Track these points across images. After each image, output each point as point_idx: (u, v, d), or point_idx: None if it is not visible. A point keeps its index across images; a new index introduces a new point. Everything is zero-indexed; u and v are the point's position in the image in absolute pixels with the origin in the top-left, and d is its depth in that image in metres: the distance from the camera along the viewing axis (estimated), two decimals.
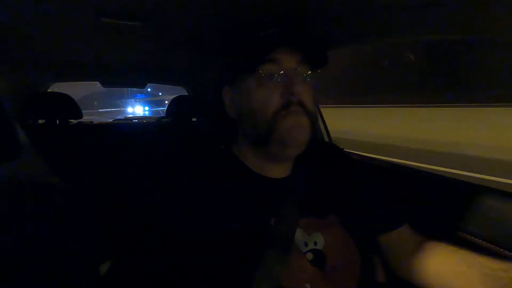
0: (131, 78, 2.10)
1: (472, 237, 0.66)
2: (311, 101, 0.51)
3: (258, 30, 0.53)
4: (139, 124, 2.19)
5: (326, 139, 1.39)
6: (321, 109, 1.35)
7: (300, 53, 0.50)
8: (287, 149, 0.50)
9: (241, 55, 0.54)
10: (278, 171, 0.55)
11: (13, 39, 1.11)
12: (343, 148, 0.69)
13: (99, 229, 0.64)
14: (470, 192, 0.71)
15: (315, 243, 0.50)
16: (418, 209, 0.77)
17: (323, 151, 0.63)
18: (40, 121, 1.57)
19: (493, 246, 0.62)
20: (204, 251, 0.47)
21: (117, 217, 1.07)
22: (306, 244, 0.49)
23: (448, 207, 0.74)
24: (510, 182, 3.40)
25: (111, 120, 2.91)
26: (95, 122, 1.80)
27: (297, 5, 0.72)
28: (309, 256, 0.49)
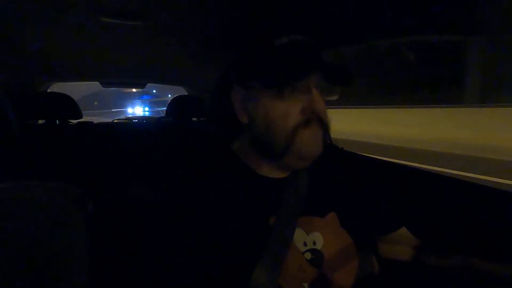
0: (131, 78, 2.10)
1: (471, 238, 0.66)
2: (326, 114, 0.51)
3: (276, 35, 0.51)
4: (140, 124, 2.19)
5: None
6: None
7: (323, 70, 0.50)
8: (302, 161, 0.51)
9: (264, 63, 0.51)
10: (279, 172, 0.55)
11: (13, 39, 1.11)
12: (342, 148, 0.69)
13: (98, 229, 0.64)
14: (471, 191, 0.71)
15: (314, 243, 0.50)
16: (417, 209, 0.77)
17: (323, 151, 0.63)
18: (40, 121, 1.57)
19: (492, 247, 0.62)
20: (203, 249, 0.47)
21: (117, 217, 1.07)
22: (305, 244, 0.49)
23: (449, 206, 0.75)
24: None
25: (111, 120, 2.92)
26: (95, 122, 1.80)
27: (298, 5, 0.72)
28: (308, 255, 0.49)
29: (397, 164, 0.99)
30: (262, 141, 0.52)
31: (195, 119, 1.84)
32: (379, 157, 1.04)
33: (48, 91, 1.94)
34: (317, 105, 0.48)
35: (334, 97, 0.55)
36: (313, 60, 0.50)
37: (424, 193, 0.83)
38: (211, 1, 0.80)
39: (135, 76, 2.04)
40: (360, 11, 0.74)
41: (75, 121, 1.57)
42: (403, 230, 0.59)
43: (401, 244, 0.58)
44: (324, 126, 0.50)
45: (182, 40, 1.23)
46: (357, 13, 0.75)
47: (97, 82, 2.08)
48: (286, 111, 0.48)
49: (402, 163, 0.99)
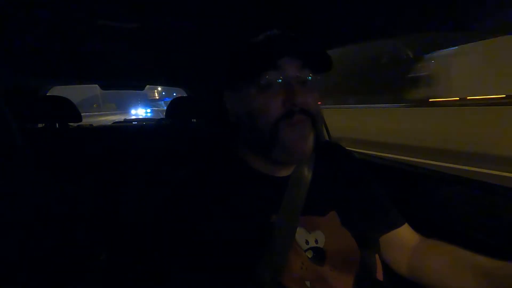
0: (130, 80, 2.10)
1: (472, 235, 0.66)
2: (315, 105, 0.50)
3: (256, 32, 0.52)
4: (139, 126, 2.19)
5: (326, 138, 1.39)
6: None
7: (301, 58, 0.49)
8: (291, 156, 0.50)
9: (241, 61, 0.53)
10: (280, 170, 0.55)
11: (12, 43, 1.11)
12: (342, 146, 0.69)
13: (98, 231, 0.65)
14: (472, 189, 0.71)
15: (316, 241, 0.50)
16: (418, 207, 0.76)
17: (324, 150, 0.63)
18: (40, 125, 1.57)
19: (491, 243, 0.62)
20: (205, 247, 0.47)
21: (117, 219, 1.07)
22: (307, 242, 0.49)
23: (450, 204, 0.74)
24: None
25: (111, 122, 2.92)
26: (94, 125, 1.80)
27: (295, 5, 0.72)
28: (310, 253, 0.49)
29: (398, 162, 0.99)
30: (249, 137, 0.52)
31: (194, 120, 1.84)
32: (380, 156, 1.04)
33: (47, 94, 1.94)
34: (299, 97, 0.47)
35: (319, 90, 0.54)
36: (286, 48, 0.49)
37: (425, 191, 0.83)
38: (209, 3, 0.81)
39: (134, 78, 2.04)
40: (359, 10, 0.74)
41: (75, 124, 1.57)
42: (404, 228, 0.59)
43: (401, 241, 0.58)
44: (311, 117, 0.49)
45: (180, 42, 1.23)
46: (356, 12, 0.75)
47: (96, 85, 2.08)
48: (266, 105, 0.48)
49: (403, 162, 0.99)
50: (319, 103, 0.52)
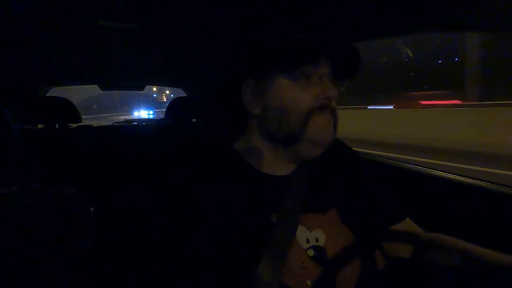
0: (130, 81, 2.10)
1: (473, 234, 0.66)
2: (335, 102, 0.53)
3: (257, 33, 0.54)
4: (139, 127, 2.19)
5: None
6: None
7: (332, 63, 0.52)
8: (315, 148, 0.52)
9: (276, 52, 0.54)
10: (283, 169, 0.55)
11: (12, 43, 1.11)
12: (342, 143, 0.69)
13: (100, 231, 0.65)
14: (474, 190, 0.71)
15: (317, 240, 0.50)
16: (420, 206, 0.76)
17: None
18: (40, 126, 1.57)
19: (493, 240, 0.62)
20: (205, 247, 0.47)
21: (118, 219, 1.07)
22: (307, 241, 0.49)
23: (452, 205, 0.74)
24: None
25: (111, 123, 2.91)
26: (94, 125, 1.80)
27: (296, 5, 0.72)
28: (310, 252, 0.49)
29: (399, 161, 0.99)
30: (276, 128, 0.53)
31: (194, 120, 1.84)
32: (379, 153, 1.04)
33: (47, 95, 1.94)
34: (330, 92, 0.50)
35: (342, 89, 0.57)
36: (326, 48, 0.52)
37: (426, 190, 0.83)
38: (209, 2, 0.80)
39: (134, 79, 2.04)
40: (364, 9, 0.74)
41: (74, 125, 1.57)
42: (407, 221, 0.59)
43: (405, 236, 0.58)
44: (335, 114, 0.52)
45: (180, 41, 1.23)
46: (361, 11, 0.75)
47: (96, 86, 2.08)
48: (300, 97, 0.50)
49: (403, 160, 0.99)
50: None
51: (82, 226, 0.61)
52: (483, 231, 0.65)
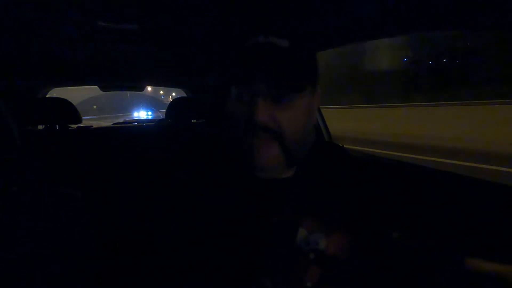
0: (130, 81, 2.10)
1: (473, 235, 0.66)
2: (288, 122, 0.47)
3: (257, 33, 0.49)
4: (139, 127, 2.19)
5: (327, 139, 1.39)
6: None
7: (277, 75, 0.46)
8: (259, 172, 0.50)
9: (230, 64, 0.50)
10: (281, 172, 0.55)
11: (12, 45, 1.11)
12: (343, 146, 0.69)
13: (98, 232, 0.64)
14: (474, 187, 0.70)
15: (317, 243, 0.49)
16: (421, 207, 0.76)
17: (324, 150, 0.62)
18: (40, 127, 1.57)
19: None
20: (205, 249, 0.47)
21: (118, 219, 1.07)
22: (307, 244, 0.49)
23: (453, 203, 0.74)
24: None
25: (111, 124, 2.91)
26: (94, 126, 1.80)
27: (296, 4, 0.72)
28: (311, 255, 0.48)
29: (400, 161, 0.98)
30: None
31: (194, 120, 1.84)
32: (381, 155, 1.04)
33: (47, 96, 1.94)
34: (259, 116, 0.45)
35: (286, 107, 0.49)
36: (258, 65, 0.46)
37: (427, 189, 0.82)
38: (209, 3, 0.80)
39: (134, 79, 2.04)
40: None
41: (74, 126, 1.57)
42: (406, 229, 0.59)
43: (405, 242, 0.58)
44: (277, 136, 0.47)
45: (180, 42, 1.23)
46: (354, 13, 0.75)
47: (96, 86, 2.08)
48: (236, 117, 0.47)
49: (405, 161, 0.98)
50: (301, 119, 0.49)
51: (82, 226, 0.61)
52: (484, 231, 0.64)
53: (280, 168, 0.50)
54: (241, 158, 0.48)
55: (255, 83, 0.45)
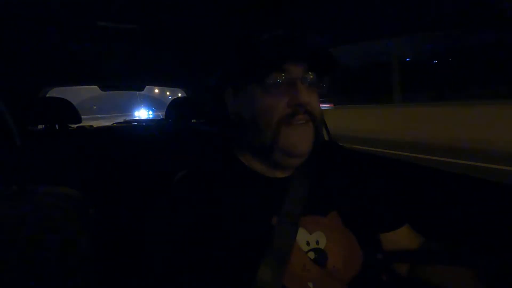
0: (130, 81, 2.10)
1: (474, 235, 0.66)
2: (317, 108, 0.50)
3: (259, 31, 0.51)
4: (139, 127, 2.19)
5: (326, 138, 1.39)
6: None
7: (306, 60, 0.49)
8: (291, 159, 0.50)
9: (246, 60, 0.52)
10: (281, 172, 0.55)
11: (12, 44, 1.11)
12: (342, 145, 0.69)
13: (100, 233, 0.64)
14: (473, 186, 0.70)
15: (317, 242, 0.49)
16: (420, 206, 0.76)
17: (324, 150, 0.62)
18: (40, 127, 1.57)
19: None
20: (206, 249, 0.47)
21: (119, 220, 1.07)
22: (308, 243, 0.49)
23: (451, 201, 0.74)
24: None
25: (111, 124, 2.91)
26: (94, 126, 1.80)
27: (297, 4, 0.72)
28: (311, 255, 0.48)
29: (398, 160, 0.98)
30: (250, 136, 0.52)
31: (194, 120, 1.84)
32: (380, 154, 1.04)
33: (47, 96, 1.94)
34: (303, 97, 0.47)
35: (324, 91, 0.54)
36: (293, 51, 0.49)
37: (426, 189, 0.82)
38: (208, 3, 0.81)
39: (134, 79, 2.04)
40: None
41: (74, 126, 1.57)
42: (406, 228, 0.59)
43: (403, 241, 0.58)
44: (313, 119, 0.49)
45: (180, 42, 1.23)
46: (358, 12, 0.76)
47: (96, 86, 2.08)
48: (271, 105, 0.48)
49: (403, 159, 0.98)
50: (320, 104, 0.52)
51: (82, 226, 0.61)
52: (484, 230, 0.64)
53: (307, 154, 0.50)
54: (275, 145, 0.48)
55: (293, 67, 0.48)
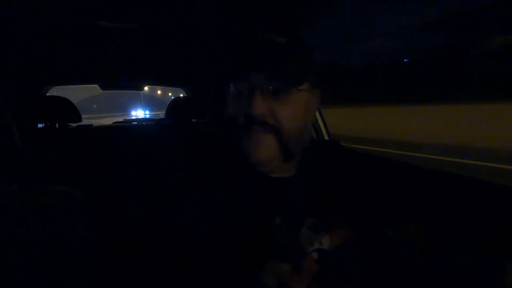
0: (130, 80, 2.10)
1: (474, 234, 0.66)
2: (285, 117, 0.48)
3: (255, 33, 0.51)
4: (139, 126, 2.19)
5: (326, 138, 1.39)
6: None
7: (273, 71, 0.47)
8: (255, 167, 0.50)
9: (225, 65, 0.54)
10: (283, 172, 0.55)
11: (12, 43, 1.11)
12: (344, 146, 0.69)
13: (100, 232, 0.64)
14: (474, 187, 0.70)
15: (321, 243, 0.49)
16: (422, 204, 0.76)
17: (325, 150, 0.62)
18: (40, 125, 1.57)
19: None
20: (207, 250, 0.47)
21: (118, 219, 1.07)
22: (311, 244, 0.49)
23: (453, 203, 0.74)
24: None
25: (111, 123, 2.91)
26: (94, 125, 1.79)
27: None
28: (315, 255, 0.48)
29: (398, 161, 0.98)
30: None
31: (194, 120, 1.84)
32: (382, 154, 1.04)
33: (47, 94, 1.94)
34: (257, 108, 0.46)
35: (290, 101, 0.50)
36: (253, 58, 0.47)
37: (427, 190, 0.82)
38: (209, 3, 0.80)
39: (134, 78, 2.04)
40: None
41: (74, 125, 1.57)
42: (409, 226, 0.58)
43: (408, 239, 0.58)
44: (273, 129, 0.47)
45: (180, 42, 1.23)
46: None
47: (96, 85, 2.08)
48: (234, 112, 0.48)
49: (403, 160, 0.98)
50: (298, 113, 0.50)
51: (82, 226, 0.61)
52: (485, 230, 0.64)
53: (276, 163, 0.50)
54: (240, 154, 0.49)
55: (253, 76, 0.47)
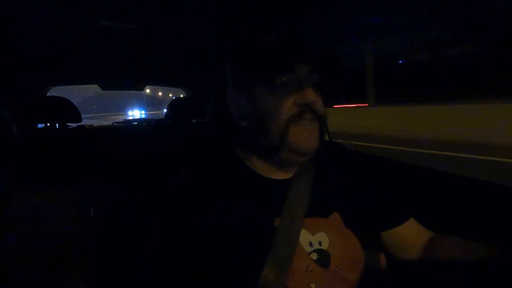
0: (130, 81, 2.10)
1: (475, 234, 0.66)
2: (322, 107, 0.51)
3: (265, 34, 0.52)
4: (139, 127, 2.19)
5: (326, 138, 1.39)
6: None
7: (312, 62, 0.50)
8: (299, 157, 0.51)
9: (252, 60, 0.53)
10: (283, 173, 0.55)
11: (12, 43, 1.11)
12: (342, 145, 0.69)
13: (100, 232, 0.64)
14: (474, 188, 0.70)
15: (320, 243, 0.49)
16: (421, 202, 0.76)
17: (325, 150, 0.62)
18: (40, 126, 1.57)
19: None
20: (209, 251, 0.47)
21: (119, 219, 1.07)
22: (311, 244, 0.49)
23: (452, 202, 0.74)
24: None
25: (111, 123, 2.91)
26: (95, 125, 1.79)
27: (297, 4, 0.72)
28: (314, 256, 0.48)
29: (398, 161, 0.98)
30: (258, 139, 0.52)
31: (194, 120, 1.84)
32: (379, 154, 1.04)
33: (47, 95, 1.94)
34: (309, 97, 0.48)
35: (329, 91, 0.55)
36: (300, 53, 0.50)
37: (426, 189, 0.82)
38: (209, 3, 0.80)
39: (134, 78, 2.04)
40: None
41: (74, 125, 1.57)
42: (411, 222, 0.58)
43: (407, 237, 0.57)
44: (319, 119, 0.50)
45: (180, 42, 1.23)
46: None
47: (96, 85, 2.08)
48: (278, 105, 0.49)
49: (403, 161, 0.98)
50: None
51: (82, 226, 0.61)
52: (485, 229, 0.64)
53: (314, 152, 0.51)
54: (283, 144, 0.49)
55: (300, 68, 0.49)
